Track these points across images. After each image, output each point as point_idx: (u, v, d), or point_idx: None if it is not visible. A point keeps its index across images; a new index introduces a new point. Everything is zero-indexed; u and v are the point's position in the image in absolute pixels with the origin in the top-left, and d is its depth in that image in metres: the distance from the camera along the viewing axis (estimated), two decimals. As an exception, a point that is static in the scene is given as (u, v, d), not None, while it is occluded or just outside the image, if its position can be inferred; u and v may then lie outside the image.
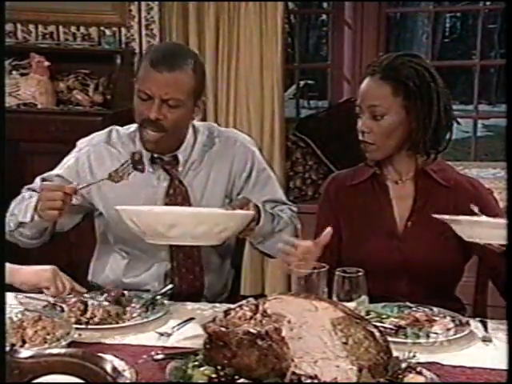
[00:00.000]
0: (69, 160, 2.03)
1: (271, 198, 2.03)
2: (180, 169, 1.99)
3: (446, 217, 1.67)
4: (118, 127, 2.08)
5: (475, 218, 1.64)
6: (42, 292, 1.79)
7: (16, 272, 1.78)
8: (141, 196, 1.96)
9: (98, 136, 2.06)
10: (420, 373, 1.28)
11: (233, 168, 2.02)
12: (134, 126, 2.01)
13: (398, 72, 1.82)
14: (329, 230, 1.71)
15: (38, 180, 2.03)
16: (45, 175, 2.03)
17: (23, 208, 1.90)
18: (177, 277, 2.00)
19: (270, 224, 1.88)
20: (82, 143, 2.06)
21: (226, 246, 2.09)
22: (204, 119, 3.79)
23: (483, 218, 1.64)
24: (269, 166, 2.10)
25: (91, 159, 2.00)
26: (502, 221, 1.57)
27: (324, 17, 8.47)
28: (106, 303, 1.69)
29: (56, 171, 2.02)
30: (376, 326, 1.28)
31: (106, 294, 1.74)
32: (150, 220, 1.67)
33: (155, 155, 1.98)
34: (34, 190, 1.99)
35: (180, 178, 1.99)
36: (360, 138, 1.87)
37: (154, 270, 2.02)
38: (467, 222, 1.63)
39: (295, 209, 2.09)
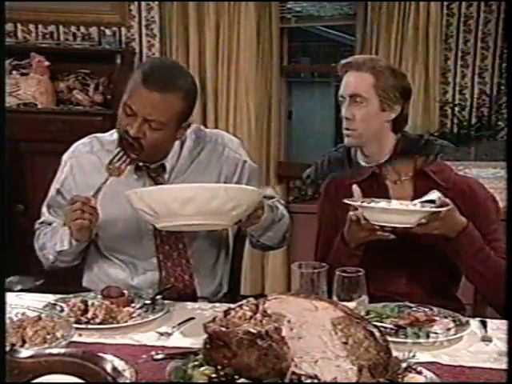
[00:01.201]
0: (60, 176, 2.03)
1: (264, 195, 2.02)
2: (166, 176, 1.96)
3: (357, 203, 1.78)
4: (99, 135, 2.05)
5: (372, 204, 1.77)
6: (41, 292, 1.79)
7: None
8: (126, 204, 1.79)
9: (80, 146, 2.04)
10: (420, 373, 1.28)
11: (221, 175, 2.00)
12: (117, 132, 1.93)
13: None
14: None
15: (44, 210, 2.05)
16: (47, 200, 2.05)
17: (58, 238, 1.93)
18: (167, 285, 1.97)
19: (271, 214, 1.88)
20: (65, 156, 2.05)
21: (219, 242, 2.10)
22: (204, 119, 3.81)
23: (394, 203, 1.78)
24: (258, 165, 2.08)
25: (74, 172, 2.00)
26: (401, 206, 1.75)
27: (324, 17, 8.46)
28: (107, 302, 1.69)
29: (53, 190, 2.03)
30: (376, 326, 1.27)
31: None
32: (163, 197, 1.63)
33: (140, 163, 1.94)
34: (49, 224, 2.02)
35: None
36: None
37: (147, 277, 2.00)
38: (365, 208, 1.75)
39: (283, 201, 2.12)
